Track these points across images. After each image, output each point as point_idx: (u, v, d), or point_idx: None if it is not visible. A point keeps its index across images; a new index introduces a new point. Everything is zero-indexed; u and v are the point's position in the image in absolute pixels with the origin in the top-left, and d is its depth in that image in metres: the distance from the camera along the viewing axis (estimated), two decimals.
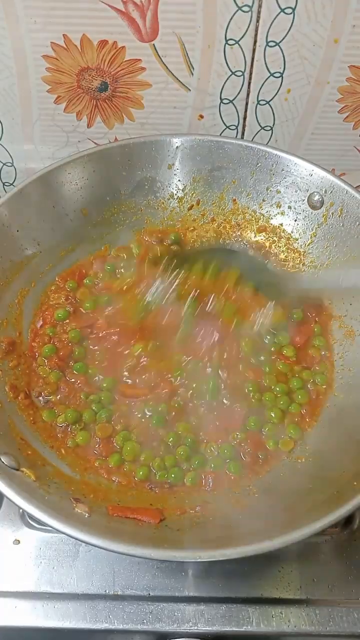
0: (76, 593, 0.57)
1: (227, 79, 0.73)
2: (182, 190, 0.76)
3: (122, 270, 0.73)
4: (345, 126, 0.78)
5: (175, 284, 0.64)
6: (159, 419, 0.61)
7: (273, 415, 0.62)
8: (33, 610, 0.56)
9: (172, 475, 0.58)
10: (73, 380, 0.64)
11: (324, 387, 0.64)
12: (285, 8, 0.66)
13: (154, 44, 0.70)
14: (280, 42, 0.69)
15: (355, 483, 0.49)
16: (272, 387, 0.64)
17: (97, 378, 0.64)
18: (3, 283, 0.65)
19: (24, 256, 0.68)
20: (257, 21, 0.67)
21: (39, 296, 0.69)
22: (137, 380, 0.64)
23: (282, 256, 0.75)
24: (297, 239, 0.73)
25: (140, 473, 0.58)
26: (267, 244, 0.75)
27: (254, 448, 0.60)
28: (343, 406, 0.62)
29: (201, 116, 0.78)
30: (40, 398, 0.62)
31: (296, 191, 0.71)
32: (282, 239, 0.75)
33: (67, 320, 0.68)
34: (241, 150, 0.72)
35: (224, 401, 0.63)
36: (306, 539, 0.45)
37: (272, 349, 0.67)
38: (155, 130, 0.80)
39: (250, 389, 0.63)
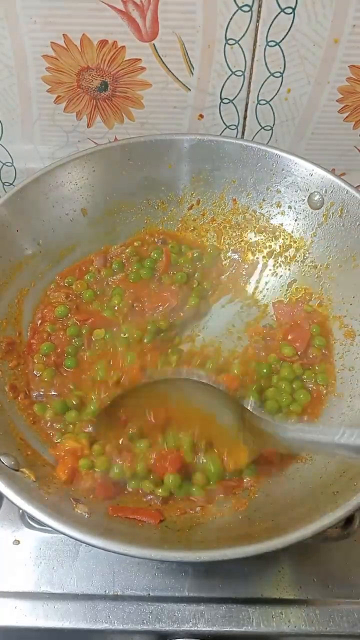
0: (76, 593, 0.57)
1: (227, 78, 0.73)
2: (182, 190, 0.76)
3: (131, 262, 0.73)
4: (345, 126, 0.78)
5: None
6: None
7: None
8: (33, 610, 0.56)
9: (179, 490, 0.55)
10: (67, 375, 0.64)
11: (324, 387, 0.64)
12: (285, 8, 0.66)
13: (154, 44, 0.70)
14: (280, 42, 0.69)
15: (355, 483, 0.49)
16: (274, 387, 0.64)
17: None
18: (3, 283, 0.65)
19: (23, 256, 0.68)
20: (257, 21, 0.67)
21: (39, 296, 0.69)
22: None
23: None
24: (297, 239, 0.73)
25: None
26: (267, 244, 0.75)
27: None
28: (343, 406, 0.62)
29: (201, 116, 0.78)
30: (35, 394, 0.63)
31: (296, 191, 0.71)
32: (282, 239, 0.75)
33: (69, 315, 0.68)
34: (241, 150, 0.72)
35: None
36: (306, 539, 0.45)
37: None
38: (155, 130, 0.80)
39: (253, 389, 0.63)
